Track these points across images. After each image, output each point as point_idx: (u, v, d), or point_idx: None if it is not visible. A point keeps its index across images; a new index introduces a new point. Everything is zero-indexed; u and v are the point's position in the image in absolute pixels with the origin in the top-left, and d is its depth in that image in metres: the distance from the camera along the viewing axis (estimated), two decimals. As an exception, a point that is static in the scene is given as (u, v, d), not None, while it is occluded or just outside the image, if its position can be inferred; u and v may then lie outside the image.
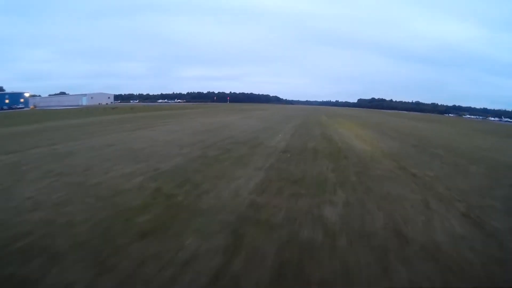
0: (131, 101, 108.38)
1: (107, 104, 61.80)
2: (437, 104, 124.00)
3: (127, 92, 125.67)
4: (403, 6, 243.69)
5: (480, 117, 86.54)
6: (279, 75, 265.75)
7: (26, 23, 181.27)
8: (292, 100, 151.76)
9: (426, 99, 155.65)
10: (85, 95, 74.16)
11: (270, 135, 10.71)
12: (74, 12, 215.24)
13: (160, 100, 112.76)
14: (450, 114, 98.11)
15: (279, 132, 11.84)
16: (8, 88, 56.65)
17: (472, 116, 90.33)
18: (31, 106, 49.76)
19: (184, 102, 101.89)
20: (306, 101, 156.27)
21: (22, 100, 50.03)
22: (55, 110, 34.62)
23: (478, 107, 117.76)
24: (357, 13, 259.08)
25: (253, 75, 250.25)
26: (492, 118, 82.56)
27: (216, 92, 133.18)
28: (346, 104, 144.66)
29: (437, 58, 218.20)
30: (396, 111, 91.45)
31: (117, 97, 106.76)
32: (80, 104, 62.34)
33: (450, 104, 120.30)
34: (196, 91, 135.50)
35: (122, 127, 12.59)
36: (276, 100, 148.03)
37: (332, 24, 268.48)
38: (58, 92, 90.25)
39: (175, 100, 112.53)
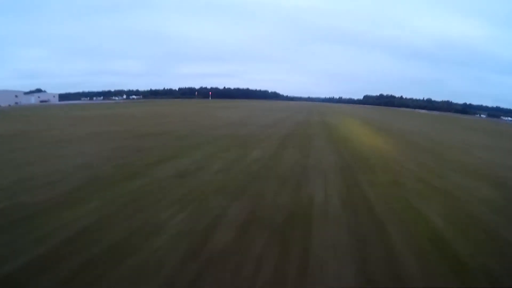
0: (95, 98, 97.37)
1: (9, 105, 45.16)
2: (450, 101, 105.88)
3: (119, 89, 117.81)
4: (407, 3, 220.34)
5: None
6: (280, 72, 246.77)
7: (21, 22, 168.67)
8: (293, 97, 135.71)
9: (436, 97, 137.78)
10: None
11: None
12: (69, 10, 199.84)
13: (115, 97, 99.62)
14: (482, 115, 78.34)
15: None
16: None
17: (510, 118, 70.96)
18: None
19: (140, 97, 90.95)
20: (308, 97, 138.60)
21: None
22: None
23: (490, 105, 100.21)
24: (360, 9, 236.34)
25: (253, 72, 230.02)
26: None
27: (209, 87, 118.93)
28: (351, 101, 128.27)
29: (444, 56, 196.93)
30: (410, 109, 74.22)
31: (107, 94, 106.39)
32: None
33: (460, 102, 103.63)
34: (187, 86, 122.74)
35: None
36: (274, 96, 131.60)
37: (333, 20, 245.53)
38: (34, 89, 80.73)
39: (130, 97, 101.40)
